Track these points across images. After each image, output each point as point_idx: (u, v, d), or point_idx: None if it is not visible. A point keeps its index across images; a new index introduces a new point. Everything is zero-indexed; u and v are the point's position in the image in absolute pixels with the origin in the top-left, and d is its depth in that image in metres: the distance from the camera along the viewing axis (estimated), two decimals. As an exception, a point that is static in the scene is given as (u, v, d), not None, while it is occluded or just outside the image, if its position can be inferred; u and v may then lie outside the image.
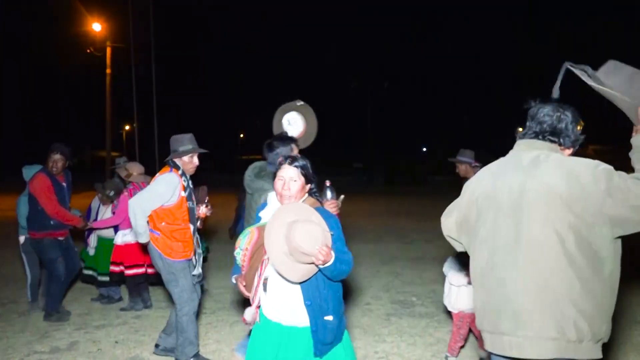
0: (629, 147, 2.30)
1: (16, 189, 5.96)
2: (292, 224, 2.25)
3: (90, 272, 5.69)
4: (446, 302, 4.03)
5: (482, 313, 2.08)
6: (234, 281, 2.61)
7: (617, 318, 3.78)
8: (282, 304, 2.42)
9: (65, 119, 45.59)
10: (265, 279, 2.45)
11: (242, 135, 61.49)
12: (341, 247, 2.37)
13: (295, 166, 2.45)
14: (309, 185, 2.52)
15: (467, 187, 2.26)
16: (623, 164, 2.29)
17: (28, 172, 5.24)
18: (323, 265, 2.25)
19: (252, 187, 3.39)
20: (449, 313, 5.31)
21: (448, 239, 2.36)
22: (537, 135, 2.15)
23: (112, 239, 5.47)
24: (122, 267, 5.35)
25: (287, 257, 2.27)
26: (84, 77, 37.41)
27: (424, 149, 50.44)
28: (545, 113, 2.17)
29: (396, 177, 33.65)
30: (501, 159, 2.21)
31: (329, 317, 2.39)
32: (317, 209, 2.42)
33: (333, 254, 2.26)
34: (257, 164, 3.54)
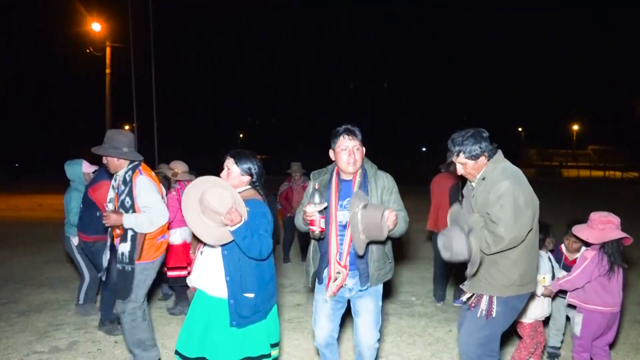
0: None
1: (16, 189, 5.96)
2: (206, 190, 2.64)
3: None
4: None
5: (530, 271, 2.85)
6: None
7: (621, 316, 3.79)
8: (209, 276, 2.81)
9: (65, 119, 45.59)
10: (202, 252, 2.87)
11: (242, 135, 61.52)
12: (257, 228, 2.70)
13: (232, 156, 2.90)
14: (248, 178, 2.90)
15: (525, 193, 2.73)
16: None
17: (71, 168, 5.14)
18: (232, 226, 2.59)
19: None
20: (448, 313, 5.32)
21: (509, 246, 2.74)
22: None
23: None
24: (164, 268, 5.15)
25: (200, 219, 2.64)
26: (84, 77, 37.41)
27: (424, 149, 50.46)
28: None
29: (396, 177, 33.54)
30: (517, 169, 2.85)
31: (249, 294, 2.74)
32: (250, 200, 2.77)
33: (243, 218, 2.63)
34: None
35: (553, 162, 49.54)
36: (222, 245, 2.74)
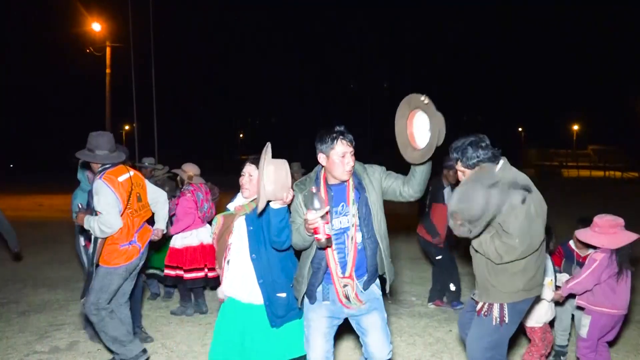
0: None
1: (16, 189, 5.95)
2: (277, 164, 2.64)
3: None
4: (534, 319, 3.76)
5: (537, 277, 2.85)
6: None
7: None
8: (241, 284, 2.85)
9: (65, 119, 45.58)
10: (228, 261, 2.89)
11: (242, 135, 61.51)
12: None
13: (252, 162, 2.92)
14: None
15: (535, 201, 2.70)
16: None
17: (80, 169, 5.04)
18: (282, 203, 2.66)
19: None
20: (449, 313, 5.32)
21: (521, 256, 2.73)
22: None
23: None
24: (178, 271, 5.13)
25: (270, 181, 2.61)
26: (84, 77, 37.41)
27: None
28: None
29: None
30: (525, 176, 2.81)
31: (282, 294, 2.81)
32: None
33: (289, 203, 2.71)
34: None
35: (553, 162, 49.53)
36: (250, 252, 2.82)
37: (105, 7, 24.59)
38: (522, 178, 2.79)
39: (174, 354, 4.27)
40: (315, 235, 2.61)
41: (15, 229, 5.37)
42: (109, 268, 3.68)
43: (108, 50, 23.20)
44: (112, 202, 3.60)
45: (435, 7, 52.02)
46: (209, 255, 5.12)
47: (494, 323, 2.84)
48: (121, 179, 3.72)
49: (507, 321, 2.82)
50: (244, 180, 2.93)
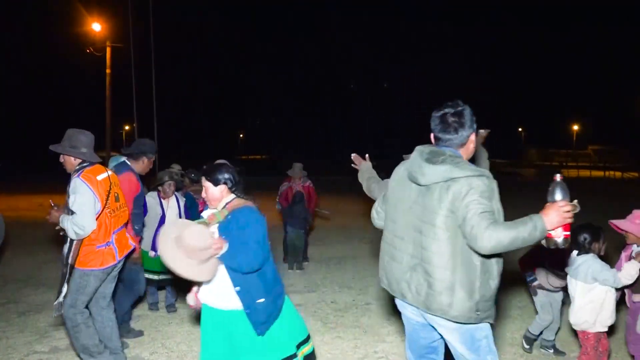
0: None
1: (16, 189, 5.95)
2: (176, 237, 2.60)
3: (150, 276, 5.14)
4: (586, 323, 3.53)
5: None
6: None
7: (617, 318, 3.78)
8: (218, 291, 2.80)
9: (65, 119, 45.57)
10: None
11: (242, 135, 61.51)
12: (247, 240, 2.70)
13: (203, 174, 2.89)
14: (227, 187, 2.87)
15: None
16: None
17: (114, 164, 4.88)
18: (220, 253, 2.64)
19: None
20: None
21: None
22: None
23: None
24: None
25: (188, 264, 2.59)
26: (84, 77, 37.42)
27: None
28: None
29: None
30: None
31: (261, 300, 2.76)
32: (241, 209, 2.79)
33: (225, 243, 2.67)
34: None
35: (553, 162, 49.54)
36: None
37: (104, 6, 24.59)
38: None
39: (174, 354, 4.27)
40: (565, 232, 2.22)
41: (16, 229, 5.37)
42: (85, 270, 3.59)
43: (108, 50, 23.19)
44: (89, 203, 3.49)
45: (435, 7, 51.98)
46: None
47: None
48: (100, 177, 3.63)
49: None
50: (203, 194, 2.92)
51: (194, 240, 2.58)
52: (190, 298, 2.95)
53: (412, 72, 48.32)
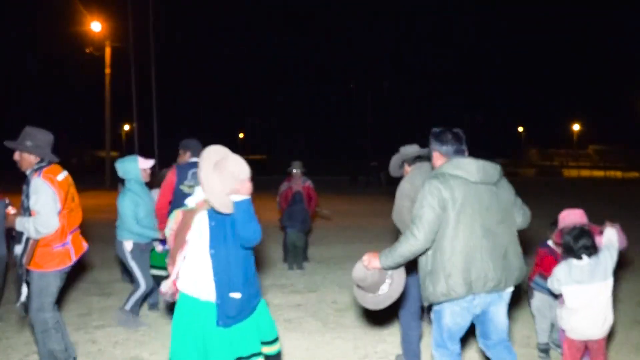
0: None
1: (16, 189, 5.95)
2: (226, 155, 2.69)
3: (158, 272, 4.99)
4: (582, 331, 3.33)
5: None
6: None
7: (617, 318, 3.77)
8: (199, 281, 2.72)
9: (65, 119, 45.58)
10: (184, 257, 2.77)
11: (241, 135, 61.50)
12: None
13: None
14: None
15: None
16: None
17: (126, 165, 4.82)
18: (243, 196, 2.65)
19: None
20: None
21: None
22: None
23: None
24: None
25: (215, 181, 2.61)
26: (84, 77, 37.41)
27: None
28: None
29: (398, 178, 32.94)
30: None
31: (236, 294, 2.70)
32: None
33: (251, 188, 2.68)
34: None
35: (553, 162, 49.54)
36: (209, 247, 2.71)
37: (104, 6, 24.58)
38: None
39: None
40: None
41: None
42: (43, 272, 3.55)
43: (108, 50, 23.21)
44: (51, 202, 3.45)
45: (435, 6, 51.98)
46: None
47: None
48: (59, 177, 3.59)
49: None
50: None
51: (235, 166, 2.64)
52: (166, 285, 2.82)
53: (412, 72, 48.35)
